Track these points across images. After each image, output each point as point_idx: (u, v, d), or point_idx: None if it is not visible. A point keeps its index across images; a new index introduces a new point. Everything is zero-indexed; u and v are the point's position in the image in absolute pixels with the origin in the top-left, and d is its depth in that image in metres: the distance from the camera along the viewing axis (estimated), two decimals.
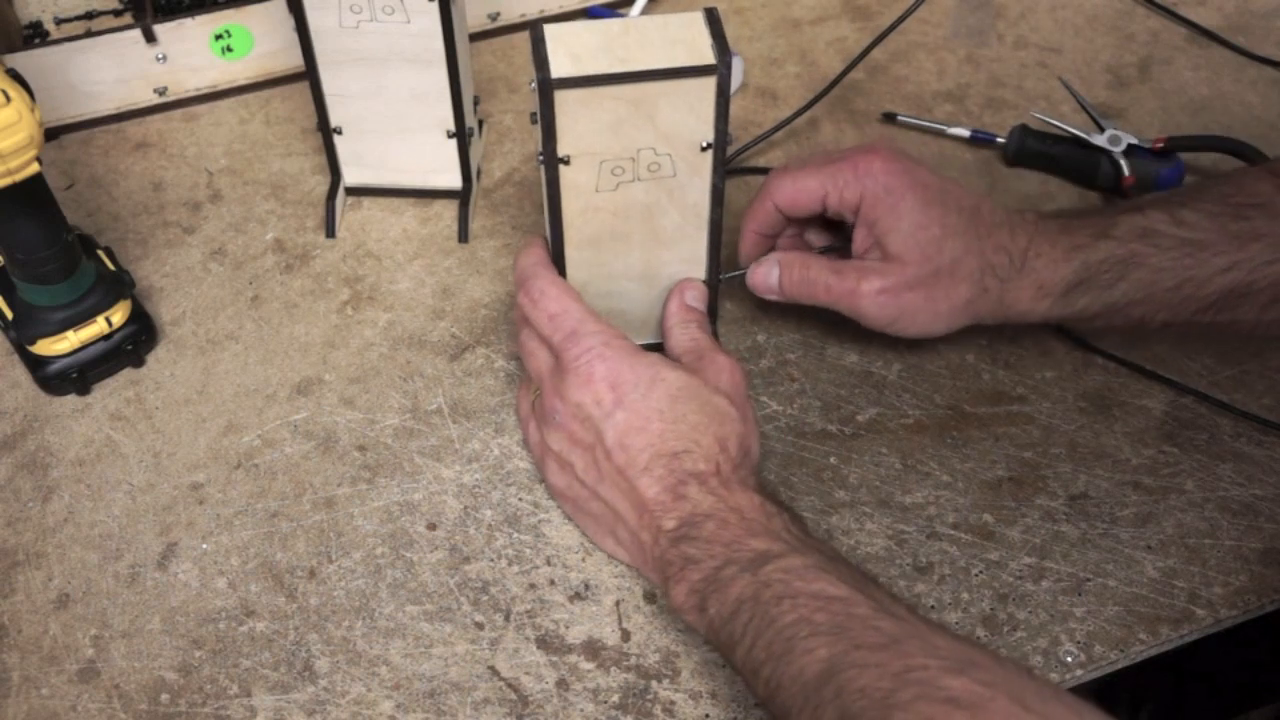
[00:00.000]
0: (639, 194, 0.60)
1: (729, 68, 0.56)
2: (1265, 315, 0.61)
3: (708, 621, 0.52)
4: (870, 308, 0.63)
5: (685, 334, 0.63)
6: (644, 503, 0.56)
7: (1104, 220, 0.63)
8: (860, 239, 0.64)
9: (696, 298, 0.64)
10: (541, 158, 0.58)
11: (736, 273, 0.68)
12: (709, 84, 0.56)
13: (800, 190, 0.64)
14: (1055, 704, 0.43)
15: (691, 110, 0.57)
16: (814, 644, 0.47)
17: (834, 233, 0.68)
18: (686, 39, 0.56)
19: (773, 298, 0.66)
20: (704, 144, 0.58)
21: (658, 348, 0.68)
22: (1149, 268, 0.61)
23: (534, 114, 0.57)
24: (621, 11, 0.90)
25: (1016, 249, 0.62)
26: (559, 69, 0.55)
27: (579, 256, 0.62)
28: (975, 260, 0.62)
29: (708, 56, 0.56)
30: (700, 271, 0.65)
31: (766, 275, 0.66)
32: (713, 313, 0.66)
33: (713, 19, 0.57)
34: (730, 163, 0.66)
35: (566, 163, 0.58)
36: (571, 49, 0.56)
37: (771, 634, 0.49)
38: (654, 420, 0.56)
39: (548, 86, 0.55)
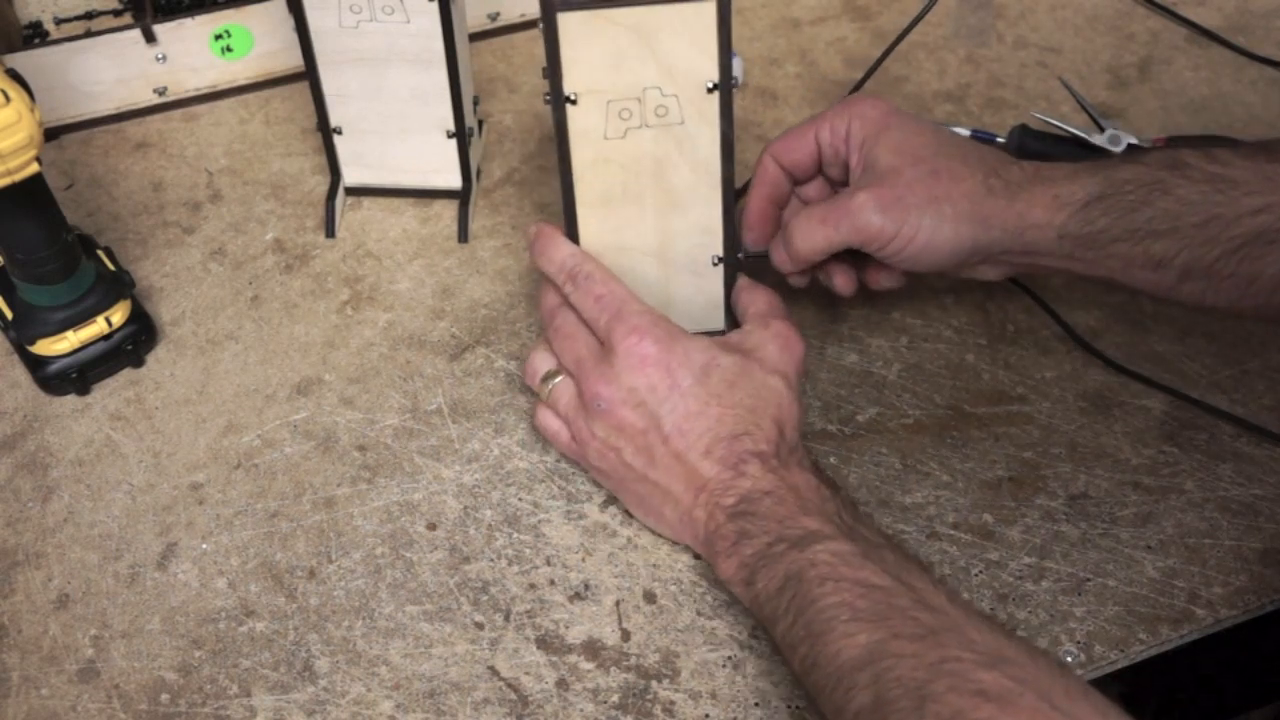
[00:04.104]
0: (648, 143, 0.60)
1: None
2: None
3: (754, 595, 0.53)
4: (872, 215, 0.59)
5: (761, 296, 0.62)
6: (704, 483, 0.56)
7: (1129, 154, 0.61)
8: (854, 161, 0.63)
9: (755, 282, 0.64)
10: (549, 97, 0.58)
11: (758, 250, 0.66)
12: (709, 10, 0.56)
13: (791, 138, 0.65)
14: (1083, 703, 0.43)
15: (694, 42, 0.57)
16: (854, 629, 0.48)
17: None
18: None
19: (793, 269, 0.64)
20: (709, 84, 0.58)
21: None
22: (1176, 198, 0.57)
23: (545, 69, 0.58)
24: None
25: (1028, 166, 0.61)
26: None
27: (591, 218, 0.62)
28: (976, 165, 0.60)
29: None
30: (717, 245, 0.64)
31: (776, 248, 0.64)
32: (730, 285, 0.65)
33: None
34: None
35: (574, 102, 0.58)
36: None
37: (812, 613, 0.50)
38: (712, 405, 0.57)
39: (550, 10, 0.55)
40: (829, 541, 0.52)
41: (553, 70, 0.57)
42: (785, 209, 0.68)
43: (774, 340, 0.60)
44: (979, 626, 0.47)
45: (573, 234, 0.62)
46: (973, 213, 0.59)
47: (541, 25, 0.56)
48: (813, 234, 0.61)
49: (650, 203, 0.62)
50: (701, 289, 0.65)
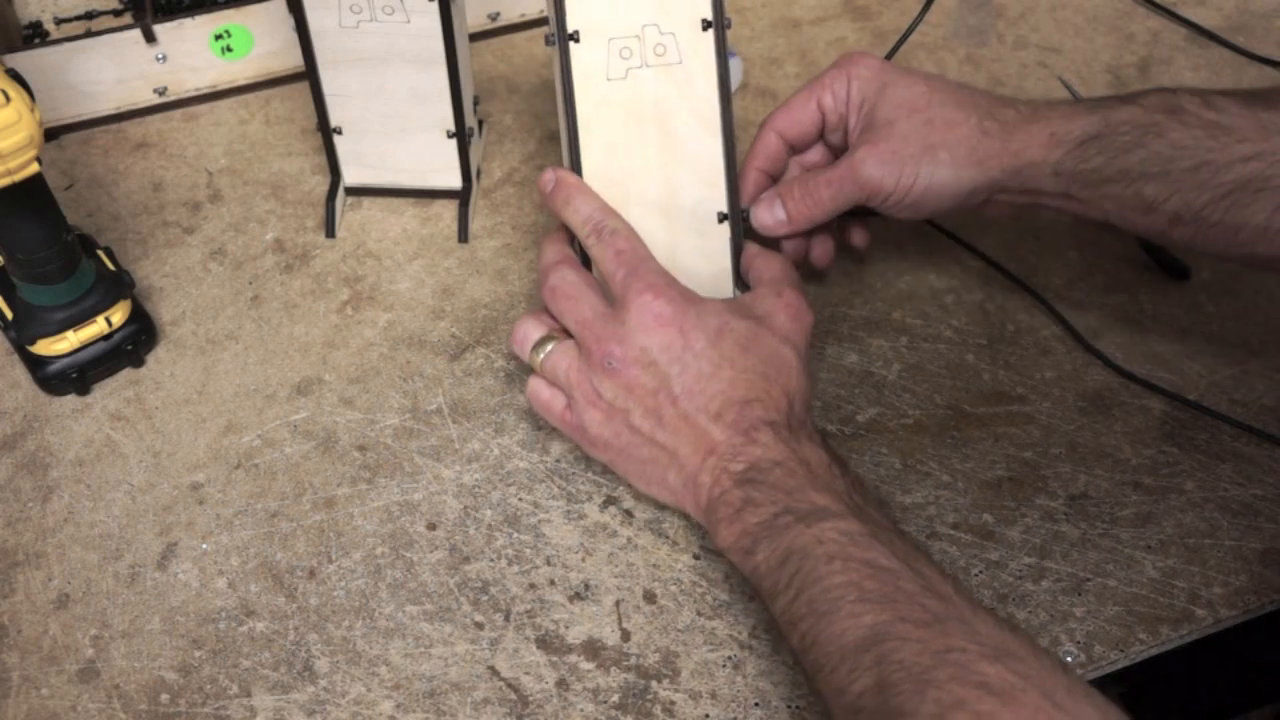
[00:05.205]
0: (649, 83, 0.61)
1: None
2: (1276, 219, 0.57)
3: (754, 565, 0.53)
4: (871, 170, 0.62)
5: (773, 263, 0.62)
6: (713, 445, 0.56)
7: (1131, 93, 0.62)
8: (855, 124, 0.64)
9: (767, 249, 0.65)
10: (553, 37, 0.60)
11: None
12: None
13: (794, 108, 0.65)
14: (1085, 703, 0.43)
15: None
16: (860, 609, 0.48)
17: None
18: None
19: (783, 232, 0.65)
20: (703, 20, 0.60)
21: None
22: (1169, 141, 0.58)
23: (549, 36, 0.60)
24: None
25: (1024, 105, 0.62)
26: None
27: (598, 167, 0.62)
28: (970, 108, 0.62)
29: None
30: (721, 201, 0.64)
31: (771, 209, 0.65)
32: (738, 250, 0.65)
33: None
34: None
35: (576, 39, 0.60)
36: None
37: (817, 590, 0.49)
38: (725, 368, 0.56)
39: None
40: (837, 520, 0.51)
41: (557, 6, 0.59)
42: (780, 178, 0.68)
43: (785, 309, 0.59)
44: (985, 619, 0.47)
45: None
46: (969, 155, 0.61)
47: None
48: (818, 195, 0.63)
49: (654, 151, 0.62)
50: (707, 252, 0.64)
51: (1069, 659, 0.57)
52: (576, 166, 0.62)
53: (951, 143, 0.61)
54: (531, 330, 0.61)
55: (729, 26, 0.61)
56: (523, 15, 0.90)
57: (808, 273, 0.70)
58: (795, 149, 0.67)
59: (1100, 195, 0.61)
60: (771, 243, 0.66)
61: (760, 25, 0.91)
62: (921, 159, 0.61)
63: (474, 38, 0.88)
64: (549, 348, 0.60)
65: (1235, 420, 0.66)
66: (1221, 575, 0.60)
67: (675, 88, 0.62)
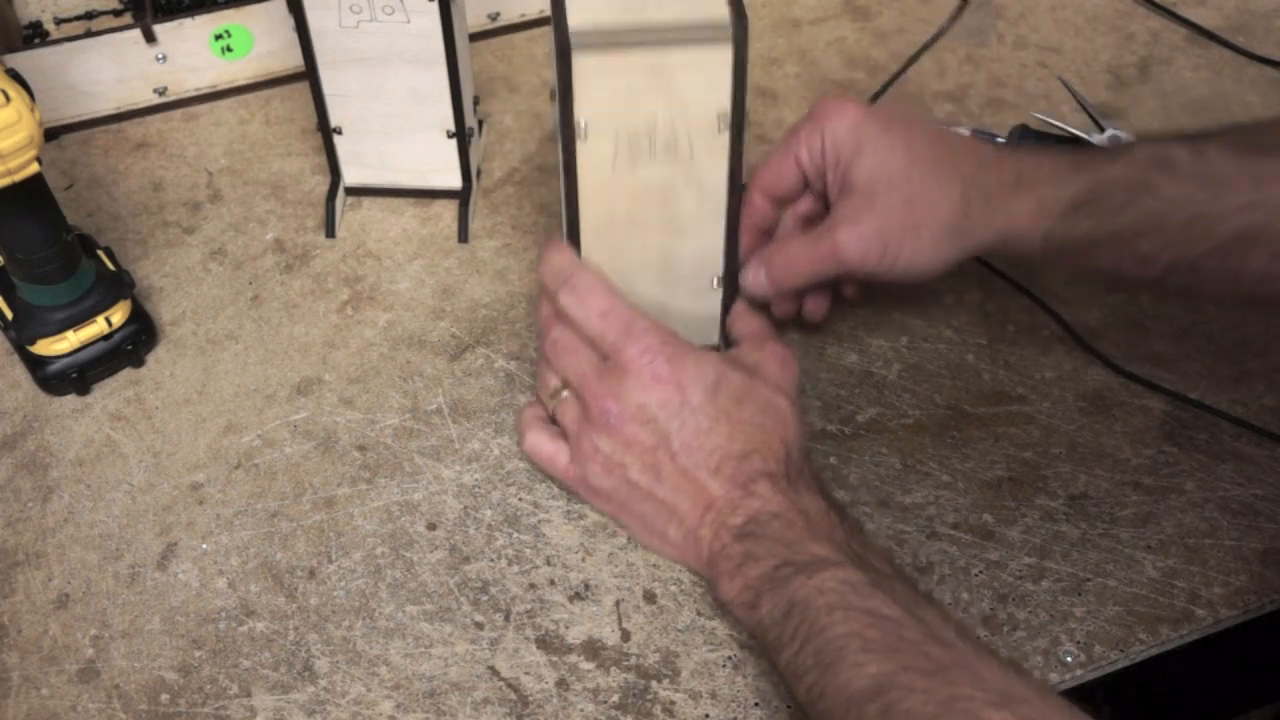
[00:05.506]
0: (656, 173, 0.60)
1: (745, 33, 0.55)
2: (1275, 265, 0.56)
3: (758, 619, 0.52)
4: (853, 252, 0.61)
5: (754, 321, 0.63)
6: (711, 500, 0.56)
7: (1118, 148, 0.60)
8: (832, 179, 0.63)
9: (750, 307, 0.65)
10: (558, 128, 0.58)
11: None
12: (725, 52, 0.56)
13: (773, 167, 0.65)
14: None
15: (708, 82, 0.56)
16: (864, 659, 0.47)
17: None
18: (704, 6, 0.56)
19: (769, 295, 0.66)
20: (721, 122, 0.58)
21: None
22: (1162, 198, 0.57)
23: (552, 90, 0.57)
24: None
25: (1008, 167, 0.60)
26: (578, 32, 0.55)
27: (595, 244, 0.62)
28: (952, 179, 0.60)
29: (725, 23, 0.56)
30: (717, 268, 0.64)
31: (756, 276, 0.65)
32: (728, 309, 0.66)
33: None
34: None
35: (583, 134, 0.58)
36: (591, 13, 0.56)
37: (821, 642, 0.49)
38: (721, 422, 0.56)
39: (566, 49, 0.55)
40: (837, 569, 0.51)
41: (564, 103, 0.56)
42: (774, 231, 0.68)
43: (772, 359, 0.60)
44: (989, 664, 0.47)
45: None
46: (951, 233, 0.60)
47: (554, 59, 0.55)
48: (798, 269, 0.63)
49: (654, 227, 0.62)
50: (699, 307, 0.66)
51: (1069, 659, 0.57)
52: (575, 239, 0.62)
53: (932, 222, 0.60)
54: (549, 377, 0.62)
55: (748, 121, 0.59)
56: (523, 15, 0.90)
57: (801, 325, 0.70)
58: (784, 203, 0.67)
59: (1092, 256, 0.60)
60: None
61: (760, 25, 0.91)
62: (904, 240, 0.60)
63: (474, 38, 0.88)
64: (562, 396, 0.61)
65: (1235, 418, 0.66)
66: (1221, 575, 0.60)
67: (683, 177, 0.60)
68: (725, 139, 0.58)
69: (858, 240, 0.61)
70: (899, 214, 0.60)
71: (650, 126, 0.58)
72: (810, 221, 0.67)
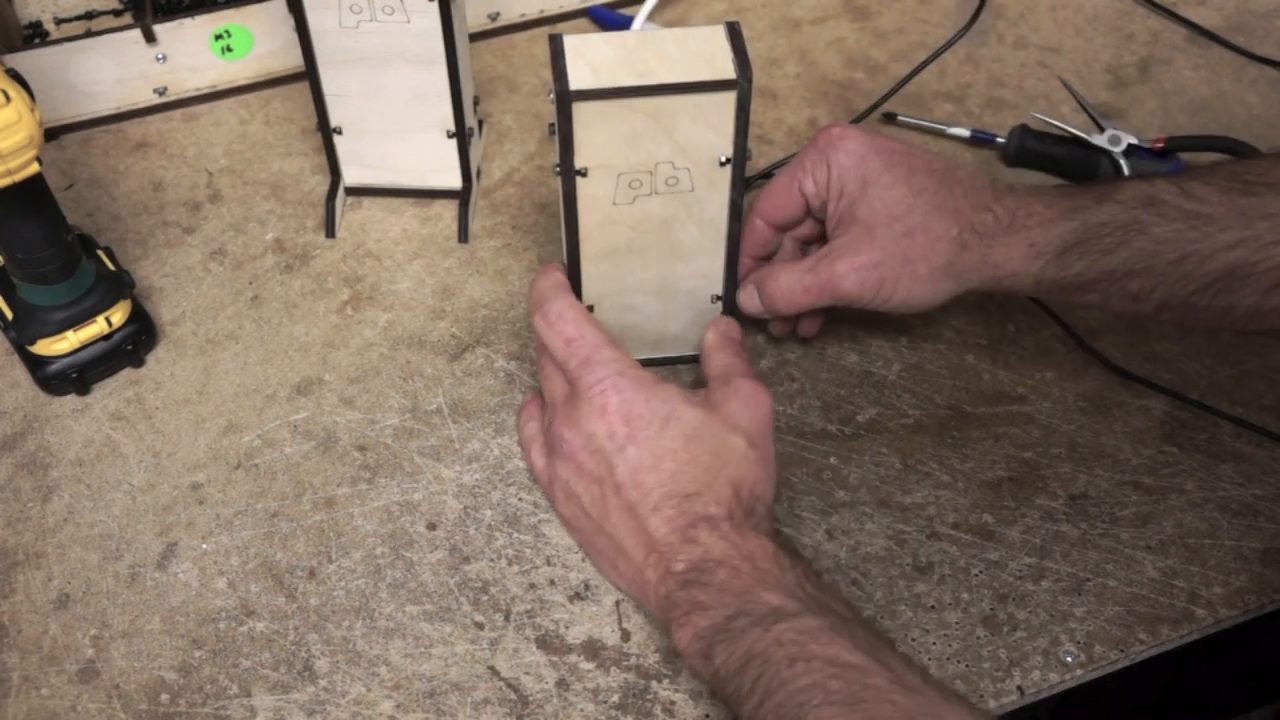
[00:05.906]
0: (656, 208, 0.60)
1: (750, 82, 0.55)
2: (1265, 301, 0.57)
3: (713, 670, 0.51)
4: (851, 286, 0.62)
5: (721, 357, 0.62)
6: (652, 542, 0.55)
7: (1107, 187, 0.61)
8: (833, 211, 0.64)
9: (732, 329, 0.65)
10: (559, 169, 0.57)
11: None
12: (729, 99, 0.56)
13: (776, 195, 0.65)
14: None
15: (710, 125, 0.57)
16: (828, 713, 0.46)
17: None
18: (707, 52, 0.56)
19: (764, 316, 0.66)
20: (723, 159, 0.58)
21: (671, 363, 0.68)
22: (1151, 237, 0.58)
23: (551, 125, 0.56)
24: (622, 12, 0.90)
25: (1003, 209, 0.61)
26: (578, 81, 0.55)
27: (595, 270, 0.62)
28: (950, 218, 0.61)
29: (728, 71, 0.55)
30: (717, 286, 0.65)
31: (750, 298, 0.65)
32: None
33: (734, 33, 0.57)
34: (750, 185, 0.66)
35: (584, 175, 0.58)
36: (590, 61, 0.55)
37: (782, 696, 0.48)
38: (666, 459, 0.56)
39: (566, 98, 0.54)
40: (794, 619, 0.49)
41: (564, 148, 0.56)
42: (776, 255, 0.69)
43: (736, 397, 0.58)
44: (958, 709, 0.46)
45: (576, 283, 0.62)
46: (946, 270, 0.62)
47: (555, 108, 0.55)
48: (794, 297, 0.64)
49: (655, 254, 0.62)
50: (698, 321, 0.66)
51: (1069, 659, 0.57)
52: (575, 269, 0.62)
53: (930, 257, 0.61)
54: (548, 403, 0.62)
55: (749, 159, 0.59)
56: (523, 15, 0.90)
57: (796, 340, 0.70)
58: (784, 229, 0.67)
59: (1085, 295, 0.61)
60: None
61: (760, 25, 0.91)
62: (900, 274, 0.61)
63: (474, 38, 0.88)
64: (549, 420, 0.61)
65: (1235, 418, 0.66)
66: (1221, 575, 0.60)
67: (684, 208, 0.60)
68: (727, 173, 0.59)
69: (857, 273, 0.62)
70: (898, 246, 0.61)
71: (651, 167, 0.58)
72: (807, 244, 0.68)
